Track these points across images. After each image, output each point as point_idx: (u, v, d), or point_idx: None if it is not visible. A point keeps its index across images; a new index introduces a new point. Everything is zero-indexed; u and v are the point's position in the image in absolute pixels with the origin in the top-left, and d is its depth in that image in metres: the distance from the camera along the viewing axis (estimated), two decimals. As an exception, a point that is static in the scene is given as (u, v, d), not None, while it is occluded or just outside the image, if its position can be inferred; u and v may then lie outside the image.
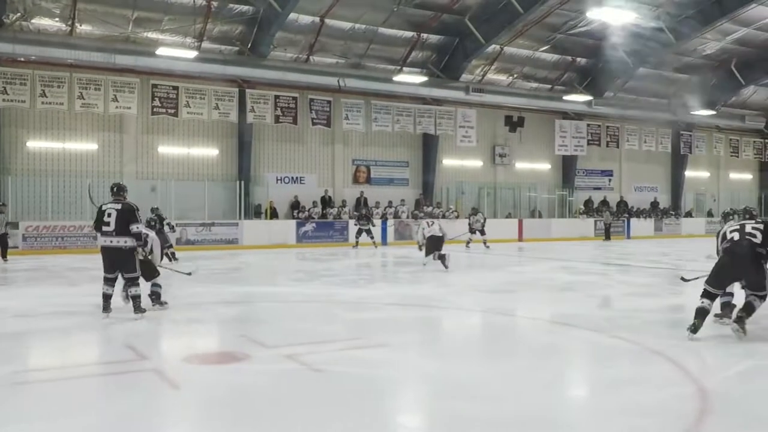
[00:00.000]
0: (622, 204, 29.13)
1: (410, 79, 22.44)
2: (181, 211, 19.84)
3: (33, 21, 18.68)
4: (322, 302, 9.13)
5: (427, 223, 14.11)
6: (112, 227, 7.39)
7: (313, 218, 21.93)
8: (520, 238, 24.42)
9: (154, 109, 20.37)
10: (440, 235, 13.57)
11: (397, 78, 22.18)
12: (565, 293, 10.16)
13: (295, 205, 22.47)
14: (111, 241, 7.43)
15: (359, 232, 20.49)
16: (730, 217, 9.13)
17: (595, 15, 19.53)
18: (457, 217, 23.68)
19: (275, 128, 22.46)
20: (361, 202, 23.35)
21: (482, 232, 20.47)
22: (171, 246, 14.93)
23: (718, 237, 6.90)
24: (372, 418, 4.14)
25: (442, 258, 13.09)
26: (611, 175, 30.24)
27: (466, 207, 24.15)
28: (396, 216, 23.14)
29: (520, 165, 27.50)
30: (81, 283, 11.17)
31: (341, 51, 22.49)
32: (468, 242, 20.61)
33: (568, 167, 28.37)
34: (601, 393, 4.88)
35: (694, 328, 6.17)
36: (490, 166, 26.89)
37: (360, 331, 7.12)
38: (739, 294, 6.83)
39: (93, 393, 4.79)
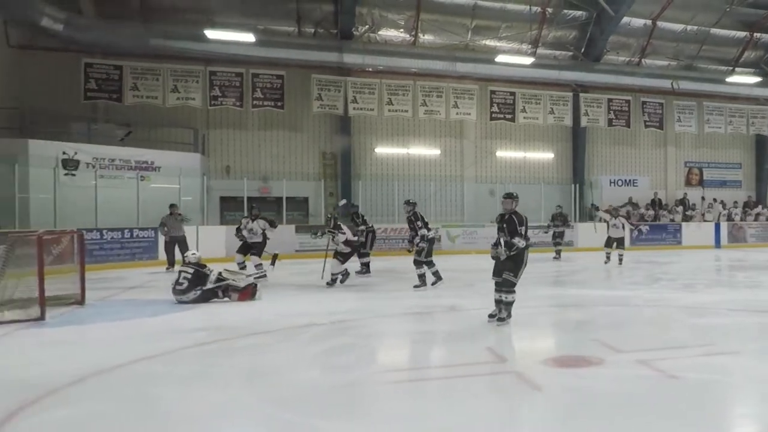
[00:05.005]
0: None
1: (743, 79, 22.13)
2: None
3: (380, 33, 19.75)
4: (664, 306, 8.97)
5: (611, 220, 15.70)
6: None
7: (646, 221, 21.84)
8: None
9: (493, 115, 20.99)
10: (619, 236, 15.45)
11: (730, 79, 21.94)
12: None
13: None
14: None
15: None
16: None
17: None
18: (793, 218, 23.24)
19: (608, 131, 22.70)
20: (686, 203, 23.09)
21: None
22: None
23: None
24: (730, 424, 4.22)
25: (620, 257, 15.13)
26: None
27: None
28: (729, 218, 22.75)
29: None
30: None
31: (673, 53, 22.50)
32: None
33: None
34: None
35: None
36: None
37: (709, 337, 6.92)
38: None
39: (459, 393, 4.85)
